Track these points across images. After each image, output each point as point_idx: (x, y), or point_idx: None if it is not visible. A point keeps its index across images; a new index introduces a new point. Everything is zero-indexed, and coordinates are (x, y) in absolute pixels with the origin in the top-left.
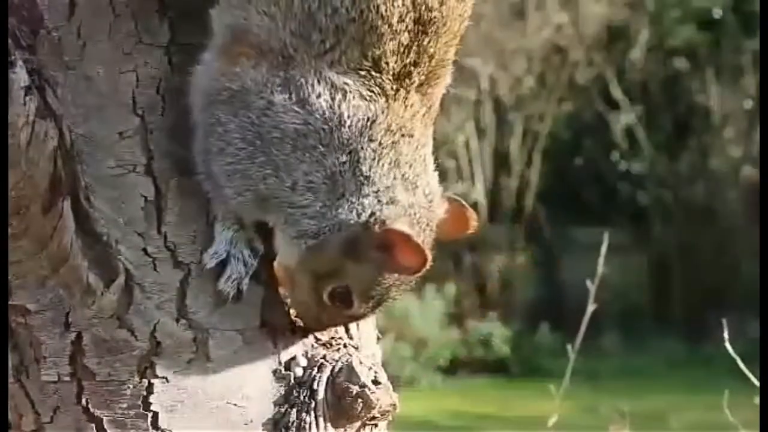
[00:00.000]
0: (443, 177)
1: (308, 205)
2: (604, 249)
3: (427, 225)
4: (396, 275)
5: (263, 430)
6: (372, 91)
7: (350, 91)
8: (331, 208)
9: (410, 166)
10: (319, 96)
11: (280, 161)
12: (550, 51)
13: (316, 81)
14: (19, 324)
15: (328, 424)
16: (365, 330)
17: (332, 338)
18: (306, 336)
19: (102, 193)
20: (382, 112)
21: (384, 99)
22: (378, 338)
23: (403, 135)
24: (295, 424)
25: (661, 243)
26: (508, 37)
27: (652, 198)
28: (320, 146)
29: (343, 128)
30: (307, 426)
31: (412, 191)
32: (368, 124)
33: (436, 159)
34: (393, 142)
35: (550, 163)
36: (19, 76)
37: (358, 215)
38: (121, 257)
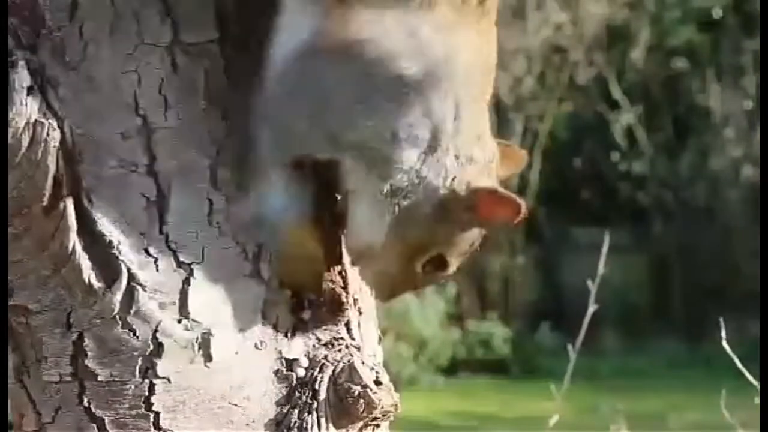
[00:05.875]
0: None
1: (405, 160)
2: (605, 249)
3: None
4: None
5: (265, 430)
6: (467, 26)
7: (453, 29)
8: (424, 163)
9: (483, 118)
10: (433, 36)
11: (383, 109)
12: (550, 51)
13: (427, 18)
14: (20, 324)
15: (330, 425)
16: (367, 330)
17: (334, 338)
18: (307, 336)
19: (103, 194)
20: (475, 52)
21: (475, 35)
22: (379, 339)
23: (483, 73)
24: (297, 424)
25: (661, 243)
26: (507, 37)
27: (652, 198)
28: (433, 95)
29: (455, 75)
30: (309, 426)
31: (484, 147)
32: (470, 68)
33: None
34: (479, 89)
35: (550, 163)
36: (21, 76)
37: (444, 179)
38: (122, 258)
